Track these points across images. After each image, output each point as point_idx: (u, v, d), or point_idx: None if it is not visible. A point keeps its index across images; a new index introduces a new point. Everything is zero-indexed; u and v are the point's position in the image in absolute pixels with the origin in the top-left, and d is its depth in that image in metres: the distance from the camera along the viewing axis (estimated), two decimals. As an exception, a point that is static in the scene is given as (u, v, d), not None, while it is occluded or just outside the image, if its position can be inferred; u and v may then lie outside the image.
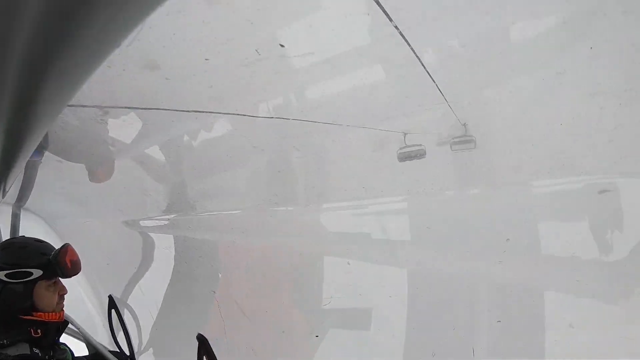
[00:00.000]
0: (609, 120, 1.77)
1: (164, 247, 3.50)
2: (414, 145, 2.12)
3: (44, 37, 0.51)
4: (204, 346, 2.04)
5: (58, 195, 4.14)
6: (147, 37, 1.65)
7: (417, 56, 1.68)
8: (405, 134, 2.16)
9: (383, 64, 1.82)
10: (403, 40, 1.61)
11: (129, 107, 2.28)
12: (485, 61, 1.70)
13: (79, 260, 2.04)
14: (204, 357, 2.03)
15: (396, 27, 1.54)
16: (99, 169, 2.98)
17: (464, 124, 1.94)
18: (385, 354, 2.26)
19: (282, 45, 1.70)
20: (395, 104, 1.98)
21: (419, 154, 2.14)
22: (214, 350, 1.99)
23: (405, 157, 2.19)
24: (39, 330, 1.92)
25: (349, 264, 2.26)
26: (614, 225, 1.96)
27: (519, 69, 1.73)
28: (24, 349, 1.87)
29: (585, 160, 1.92)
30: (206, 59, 1.76)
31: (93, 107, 2.20)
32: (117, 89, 1.99)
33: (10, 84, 0.65)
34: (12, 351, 1.84)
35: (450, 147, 1.99)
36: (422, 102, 1.94)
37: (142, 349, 3.64)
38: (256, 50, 1.70)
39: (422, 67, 1.72)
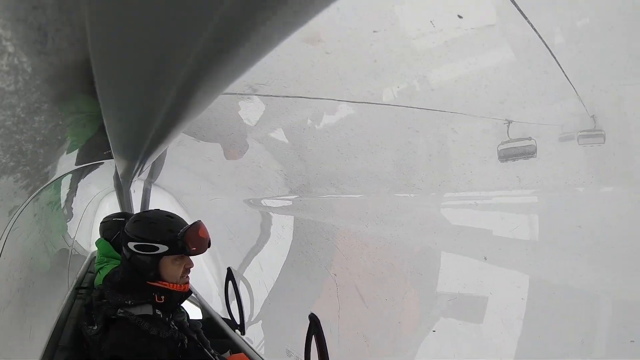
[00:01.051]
0: None
1: (285, 227, 3.63)
2: (520, 140, 1.94)
3: (223, 28, 0.52)
4: (315, 326, 2.09)
5: (188, 172, 4.47)
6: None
7: (540, 37, 1.52)
8: (509, 122, 1.98)
9: (503, 48, 1.67)
10: (525, 20, 1.46)
11: (273, 96, 2.36)
12: (622, 44, 1.49)
13: (207, 238, 2.16)
14: (313, 336, 2.07)
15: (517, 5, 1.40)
16: (234, 147, 3.16)
17: (593, 116, 1.74)
18: (497, 355, 2.12)
19: (460, 17, 1.60)
20: (515, 92, 1.81)
21: (527, 152, 1.95)
22: (324, 331, 2.02)
23: (507, 155, 2.01)
24: (162, 297, 2.10)
25: (485, 259, 2.13)
26: None
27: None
28: (147, 309, 2.06)
29: None
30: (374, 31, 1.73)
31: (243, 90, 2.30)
32: (272, 65, 2.04)
33: (179, 71, 0.68)
34: (137, 310, 2.04)
35: (577, 140, 1.79)
36: (545, 91, 1.76)
37: (252, 320, 3.82)
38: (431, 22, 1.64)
39: (548, 49, 1.55)
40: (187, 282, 2.20)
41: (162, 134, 1.27)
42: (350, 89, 2.23)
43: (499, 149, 1.98)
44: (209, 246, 2.17)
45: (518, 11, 1.46)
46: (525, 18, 1.47)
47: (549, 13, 1.53)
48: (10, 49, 0.84)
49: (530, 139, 1.90)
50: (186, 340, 2.18)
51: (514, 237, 2.07)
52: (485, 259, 2.18)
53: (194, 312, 3.26)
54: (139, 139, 1.40)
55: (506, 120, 1.94)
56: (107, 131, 1.56)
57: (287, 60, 2.02)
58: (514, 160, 1.94)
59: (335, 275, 3.06)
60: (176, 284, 2.12)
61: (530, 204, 2.04)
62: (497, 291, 2.15)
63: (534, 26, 1.52)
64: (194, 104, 0.88)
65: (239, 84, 2.23)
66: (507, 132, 1.94)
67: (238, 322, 3.10)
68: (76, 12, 0.84)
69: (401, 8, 1.66)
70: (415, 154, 2.37)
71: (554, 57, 1.56)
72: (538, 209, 2.02)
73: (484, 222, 2.19)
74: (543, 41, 1.52)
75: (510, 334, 2.07)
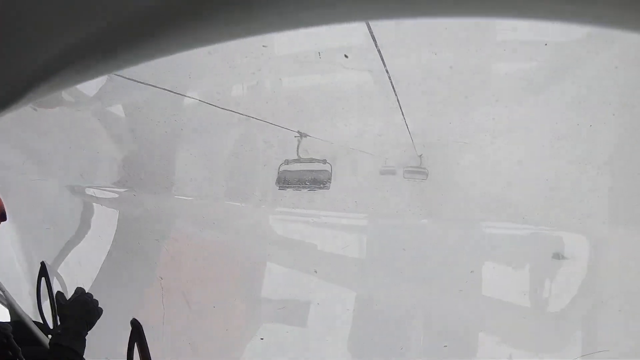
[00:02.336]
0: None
1: (111, 221, 3.36)
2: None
3: None
4: (137, 332, 1.97)
5: (15, 144, 3.89)
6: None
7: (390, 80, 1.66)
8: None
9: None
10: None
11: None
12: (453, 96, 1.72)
13: (2, 209, 1.87)
14: (135, 343, 1.96)
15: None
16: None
17: (420, 156, 1.99)
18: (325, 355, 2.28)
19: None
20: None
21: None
22: (148, 338, 1.93)
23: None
24: None
25: (316, 272, 2.25)
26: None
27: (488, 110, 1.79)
28: None
29: (529, 212, 2.01)
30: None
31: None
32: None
33: None
34: None
35: (403, 175, 2.03)
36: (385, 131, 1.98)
37: (67, 324, 3.49)
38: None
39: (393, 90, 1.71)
40: None
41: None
42: (199, 84, 2.17)
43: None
44: (3, 219, 1.89)
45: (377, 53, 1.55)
46: (382, 60, 1.57)
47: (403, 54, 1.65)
48: None
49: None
50: None
51: (344, 254, 2.23)
52: (316, 272, 2.29)
53: (1, 314, 2.88)
54: None
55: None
56: None
57: None
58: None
59: (161, 278, 2.94)
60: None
61: (362, 227, 2.23)
62: (324, 302, 2.29)
63: (387, 67, 1.63)
64: (66, 80, 0.82)
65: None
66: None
67: (51, 327, 2.80)
68: None
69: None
70: (255, 166, 2.41)
71: (397, 98, 1.70)
72: (368, 231, 2.21)
73: (316, 238, 2.31)
74: (391, 82, 1.64)
75: (337, 340, 2.22)
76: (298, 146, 2.11)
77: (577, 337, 2.13)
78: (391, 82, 1.66)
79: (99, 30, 0.59)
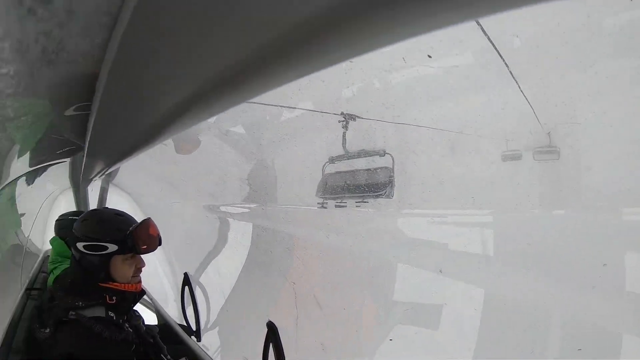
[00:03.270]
0: None
1: (245, 234, 3.65)
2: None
3: None
4: (273, 333, 2.13)
5: (149, 174, 4.41)
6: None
7: (501, 57, 1.67)
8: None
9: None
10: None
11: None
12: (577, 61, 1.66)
13: (158, 236, 2.12)
14: (271, 344, 2.11)
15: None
16: (185, 141, 3.17)
17: (548, 133, 1.88)
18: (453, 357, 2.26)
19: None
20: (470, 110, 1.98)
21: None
22: (282, 339, 2.08)
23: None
24: (114, 298, 2.04)
25: (440, 271, 2.27)
26: None
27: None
28: (99, 311, 2.01)
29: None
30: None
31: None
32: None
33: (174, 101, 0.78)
34: (88, 312, 1.98)
35: (533, 156, 1.92)
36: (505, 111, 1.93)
37: (208, 326, 3.80)
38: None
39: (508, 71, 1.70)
40: (140, 282, 2.17)
41: (143, 144, 1.32)
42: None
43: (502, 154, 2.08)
44: (159, 244, 2.14)
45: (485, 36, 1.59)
46: (492, 43, 1.60)
47: (511, 31, 1.66)
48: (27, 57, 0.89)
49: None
50: (141, 346, 2.18)
51: (468, 252, 2.22)
52: (441, 271, 2.32)
53: (149, 318, 3.23)
54: (120, 144, 1.44)
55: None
56: (89, 133, 1.59)
57: None
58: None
59: (294, 283, 3.13)
60: (128, 283, 2.10)
61: (484, 223, 2.21)
62: (451, 302, 2.29)
63: (510, 69, 1.66)
64: (181, 124, 0.95)
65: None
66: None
67: (194, 329, 3.10)
68: (97, 29, 0.90)
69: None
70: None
71: (514, 78, 1.70)
72: (491, 227, 2.19)
73: (439, 237, 2.34)
74: (504, 61, 1.66)
75: (464, 343, 2.21)
76: (344, 135, 1.95)
77: None
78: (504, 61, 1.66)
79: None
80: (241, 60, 0.56)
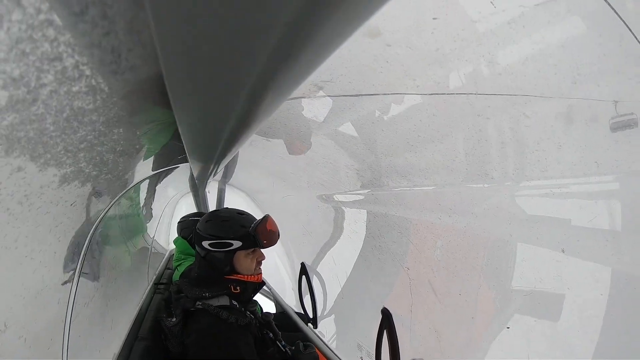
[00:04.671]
0: None
1: (358, 221, 3.64)
2: (625, 115, 1.80)
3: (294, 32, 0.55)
4: (387, 320, 2.10)
5: (261, 171, 4.61)
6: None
7: (611, 7, 1.41)
8: (616, 102, 1.82)
9: (571, 22, 1.55)
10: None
11: (339, 95, 2.41)
12: None
13: (277, 231, 2.24)
14: (385, 331, 2.07)
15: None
16: (297, 141, 3.24)
17: None
18: (573, 355, 1.98)
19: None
20: (587, 70, 1.68)
21: (633, 124, 1.79)
22: (396, 325, 2.01)
23: (616, 127, 1.83)
24: (238, 288, 2.20)
25: (563, 251, 2.01)
26: None
27: None
28: (224, 300, 2.17)
29: None
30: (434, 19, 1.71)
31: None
32: (334, 62, 2.08)
33: (248, 79, 0.73)
34: (214, 302, 2.15)
35: None
36: (622, 66, 1.61)
37: (324, 314, 3.88)
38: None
39: (621, 19, 1.43)
40: (260, 273, 2.30)
41: (234, 138, 1.34)
42: (415, 79, 2.20)
43: (611, 122, 1.83)
44: (278, 238, 2.25)
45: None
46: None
47: None
48: (88, 72, 0.93)
49: (632, 113, 1.75)
50: (260, 331, 2.27)
51: (594, 227, 1.92)
52: (563, 251, 2.05)
53: (268, 307, 3.36)
54: (212, 144, 1.49)
55: (614, 101, 1.80)
56: (182, 138, 1.68)
57: (348, 56, 2.03)
58: (622, 130, 1.78)
59: (408, 269, 3.02)
60: (251, 275, 2.22)
61: (610, 191, 1.89)
62: (575, 286, 2.01)
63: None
64: (263, 108, 0.93)
65: (304, 84, 2.29)
66: (615, 109, 1.80)
67: (311, 316, 3.16)
68: (146, 32, 0.92)
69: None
70: (487, 143, 2.28)
71: (629, 28, 1.44)
72: (619, 196, 1.86)
73: (561, 211, 2.06)
74: (615, 11, 1.41)
75: (587, 332, 1.93)
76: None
77: None
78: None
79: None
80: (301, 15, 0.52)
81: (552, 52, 1.70)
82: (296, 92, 2.42)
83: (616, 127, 1.75)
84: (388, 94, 2.39)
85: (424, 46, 1.90)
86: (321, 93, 2.44)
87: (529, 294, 2.16)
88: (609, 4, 1.39)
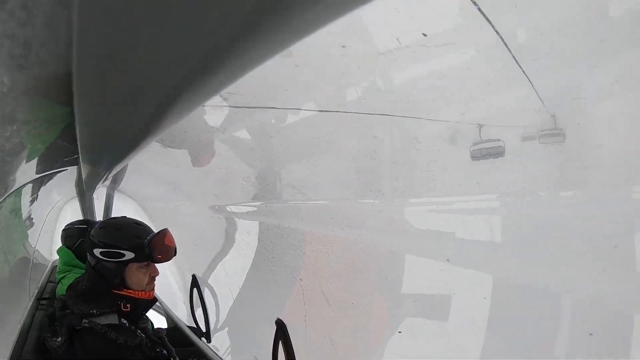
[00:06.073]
0: None
1: (251, 233, 3.65)
2: (490, 141, 2.04)
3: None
4: (281, 331, 2.14)
5: (153, 179, 4.42)
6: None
7: (502, 39, 1.62)
8: (480, 126, 2.07)
9: (463, 49, 1.77)
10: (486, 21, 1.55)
11: (243, 107, 2.41)
12: (581, 48, 1.60)
13: (174, 247, 2.16)
14: (280, 341, 2.11)
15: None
16: (202, 154, 3.18)
17: (553, 115, 1.83)
18: (463, 354, 2.21)
19: (424, 35, 1.68)
20: (473, 94, 1.92)
21: (497, 152, 2.04)
22: (291, 336, 2.06)
23: (479, 154, 2.09)
24: (128, 305, 2.09)
25: (448, 260, 2.22)
26: None
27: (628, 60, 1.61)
28: (112, 319, 2.04)
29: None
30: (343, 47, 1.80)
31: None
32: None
33: (158, 90, 0.74)
34: (102, 320, 2.01)
35: (538, 139, 1.88)
36: (503, 92, 1.87)
37: (218, 327, 3.82)
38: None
39: (509, 52, 1.65)
40: (153, 290, 2.20)
41: (136, 143, 1.30)
42: (317, 99, 2.30)
43: (472, 150, 2.05)
44: (175, 254, 2.17)
45: (480, 13, 1.54)
46: (488, 21, 1.55)
47: (510, 14, 1.61)
48: None
49: (498, 139, 1.98)
50: (152, 350, 2.18)
51: (476, 239, 2.17)
52: (448, 260, 2.27)
53: (159, 321, 3.23)
54: (111, 148, 1.42)
55: (477, 124, 2.02)
56: (78, 139, 1.57)
57: (257, 72, 2.06)
58: (485, 159, 2.01)
59: (301, 280, 3.10)
60: (142, 291, 2.12)
61: (491, 208, 2.15)
62: (459, 291, 2.24)
63: (496, 28, 1.60)
64: (171, 117, 0.92)
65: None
66: (479, 134, 2.02)
67: (204, 330, 3.10)
68: (63, 28, 0.87)
69: (369, 25, 1.74)
70: (380, 161, 2.45)
71: (515, 59, 1.65)
72: (498, 212, 2.13)
73: (446, 225, 2.29)
74: (504, 43, 1.61)
75: (474, 333, 2.16)
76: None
77: None
78: (504, 42, 1.62)
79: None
80: (228, 36, 0.52)
81: (446, 84, 1.90)
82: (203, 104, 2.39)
83: (477, 155, 2.01)
84: (288, 109, 2.46)
85: (332, 71, 2.01)
86: (225, 103, 2.44)
87: (418, 300, 2.35)
88: (501, 37, 1.59)
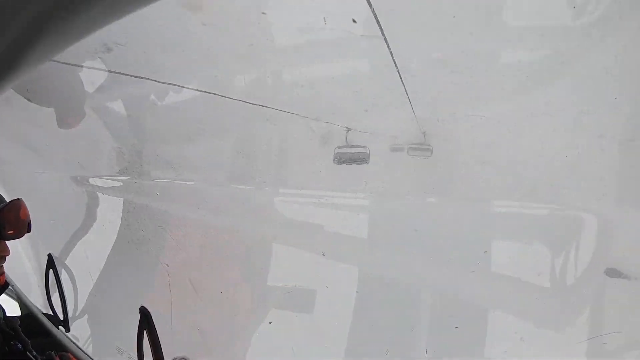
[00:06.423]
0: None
1: (115, 211, 3.36)
2: (356, 147, 2.09)
3: None
4: (146, 320, 1.98)
5: (11, 137, 3.91)
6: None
7: (392, 57, 1.63)
8: (347, 129, 2.11)
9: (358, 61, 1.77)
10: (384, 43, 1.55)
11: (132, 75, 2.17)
12: (464, 80, 1.69)
13: (28, 220, 1.86)
14: (144, 331, 1.96)
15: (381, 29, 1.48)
16: (70, 115, 2.82)
17: (424, 132, 1.95)
18: (332, 345, 2.26)
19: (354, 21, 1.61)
20: (353, 101, 1.95)
21: (361, 158, 2.10)
22: (156, 325, 1.93)
23: (342, 158, 2.14)
24: None
25: (324, 254, 2.23)
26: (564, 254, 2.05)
27: (500, 94, 1.75)
28: None
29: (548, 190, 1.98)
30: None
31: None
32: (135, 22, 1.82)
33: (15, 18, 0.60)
34: None
35: (407, 152, 1.99)
36: (382, 104, 1.93)
37: (77, 314, 3.51)
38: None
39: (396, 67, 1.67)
40: (3, 274, 1.90)
41: None
42: (216, 73, 2.13)
43: (335, 152, 2.06)
44: (29, 230, 1.87)
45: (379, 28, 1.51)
46: (383, 36, 1.53)
47: (406, 37, 1.62)
48: None
49: (364, 146, 2.02)
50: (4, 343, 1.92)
51: (351, 235, 2.21)
52: (324, 254, 2.29)
53: (10, 307, 2.89)
54: None
55: (346, 127, 2.02)
56: None
57: (155, 21, 1.83)
58: (348, 164, 2.05)
59: (167, 265, 2.94)
60: (-11, 274, 1.82)
61: (365, 207, 2.20)
62: (331, 284, 2.28)
63: (391, 50, 1.59)
64: (30, 55, 0.74)
65: (90, 40, 1.99)
66: (346, 138, 2.03)
67: (62, 318, 2.82)
68: None
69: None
70: (257, 149, 2.38)
71: (400, 76, 1.65)
72: (372, 211, 2.19)
73: (320, 219, 2.29)
74: (393, 59, 1.60)
75: (341, 323, 2.21)
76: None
77: (588, 317, 2.12)
78: (392, 57, 1.63)
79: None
80: None
81: (355, 81, 1.88)
82: (76, 56, 2.10)
83: (340, 159, 2.04)
84: (171, 84, 2.25)
85: (239, 39, 1.85)
86: (100, 65, 2.15)
87: (290, 292, 2.34)
88: (391, 53, 1.58)
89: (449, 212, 2.07)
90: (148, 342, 1.95)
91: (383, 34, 1.53)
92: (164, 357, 1.87)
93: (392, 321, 2.18)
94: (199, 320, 2.69)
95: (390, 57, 1.61)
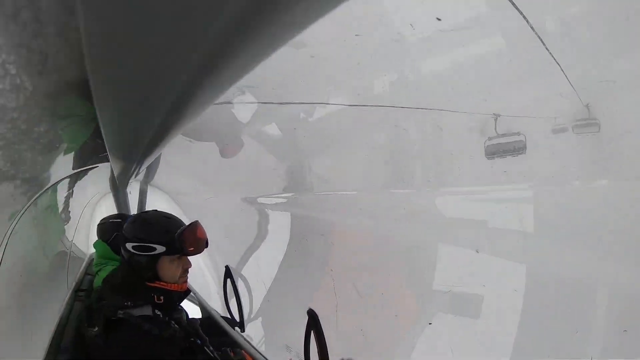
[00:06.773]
0: None
1: (282, 224, 3.66)
2: (508, 135, 1.92)
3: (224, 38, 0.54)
4: (313, 321, 2.13)
5: (184, 173, 4.48)
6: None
7: (530, 26, 1.54)
8: (496, 116, 1.97)
9: (489, 40, 1.69)
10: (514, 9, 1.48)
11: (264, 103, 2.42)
12: (615, 31, 1.50)
13: (205, 239, 2.17)
14: (312, 331, 2.10)
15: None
16: (229, 146, 3.21)
17: (587, 105, 1.72)
18: (496, 349, 2.16)
19: (438, 19, 1.62)
20: (502, 85, 1.83)
21: (516, 149, 1.93)
22: (322, 326, 2.06)
23: (494, 151, 1.98)
24: (161, 297, 2.11)
25: (477, 252, 2.17)
26: None
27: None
28: (147, 310, 2.07)
29: None
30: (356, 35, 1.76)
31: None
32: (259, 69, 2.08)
33: (174, 84, 0.72)
34: (136, 311, 2.05)
35: (572, 130, 1.77)
36: (535, 82, 1.78)
37: (251, 317, 3.85)
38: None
39: (538, 38, 1.57)
40: (186, 282, 2.23)
41: (157, 139, 1.32)
42: (337, 89, 2.27)
43: (486, 145, 1.97)
44: (206, 246, 2.19)
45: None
46: (515, 7, 1.49)
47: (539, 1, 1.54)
48: (13, 70, 0.89)
49: (519, 134, 1.88)
50: (186, 340, 2.21)
51: (506, 229, 2.11)
52: (477, 251, 2.22)
53: (193, 311, 3.28)
54: (135, 144, 1.45)
55: (493, 114, 1.93)
56: (104, 137, 1.61)
57: (273, 65, 2.06)
58: (501, 157, 1.94)
59: (331, 270, 3.10)
60: (174, 283, 2.15)
61: (521, 198, 2.07)
62: (490, 283, 2.19)
63: (524, 14, 1.53)
64: (189, 112, 0.93)
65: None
66: (495, 127, 1.93)
67: (238, 320, 3.13)
68: (74, 35, 0.89)
69: (382, 12, 1.69)
70: (405, 152, 2.42)
71: (545, 46, 1.57)
72: (529, 202, 2.05)
73: (475, 215, 2.23)
74: (533, 29, 1.53)
75: (504, 325, 2.11)
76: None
77: None
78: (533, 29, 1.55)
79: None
80: (235, 27, 0.52)
81: (468, 70, 1.84)
82: (223, 100, 2.42)
83: (492, 152, 1.90)
84: (310, 103, 2.44)
85: (346, 59, 1.98)
86: (247, 99, 2.45)
87: (448, 292, 2.31)
88: (529, 23, 1.52)
89: (625, 195, 1.82)
90: (315, 341, 2.08)
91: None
92: (329, 357, 1.98)
93: (555, 322, 1.99)
94: (362, 321, 2.77)
95: (525, 22, 1.52)
